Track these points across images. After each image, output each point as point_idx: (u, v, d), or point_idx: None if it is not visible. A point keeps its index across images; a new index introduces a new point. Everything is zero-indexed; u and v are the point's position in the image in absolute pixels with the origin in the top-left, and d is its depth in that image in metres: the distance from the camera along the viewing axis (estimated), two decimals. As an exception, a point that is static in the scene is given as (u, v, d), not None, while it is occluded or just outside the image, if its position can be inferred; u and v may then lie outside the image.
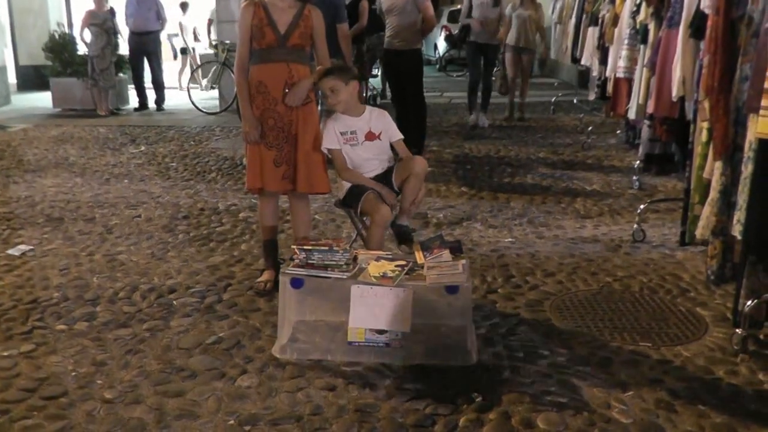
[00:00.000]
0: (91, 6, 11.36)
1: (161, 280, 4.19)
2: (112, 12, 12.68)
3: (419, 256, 3.09)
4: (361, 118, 3.89)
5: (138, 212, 5.67)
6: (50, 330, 3.53)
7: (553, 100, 11.40)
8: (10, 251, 4.79)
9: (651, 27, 5.15)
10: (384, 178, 3.89)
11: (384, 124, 3.94)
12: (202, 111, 11.30)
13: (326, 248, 3.07)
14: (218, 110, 11.18)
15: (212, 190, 6.37)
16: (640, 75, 5.38)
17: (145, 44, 11.81)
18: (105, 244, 4.91)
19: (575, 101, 11.52)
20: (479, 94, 9.53)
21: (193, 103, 11.51)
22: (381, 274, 2.99)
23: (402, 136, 3.99)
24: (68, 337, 3.45)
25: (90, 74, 11.24)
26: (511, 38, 9.83)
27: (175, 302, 3.85)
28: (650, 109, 4.76)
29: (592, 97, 8.16)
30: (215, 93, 12.05)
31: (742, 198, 3.17)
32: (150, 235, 5.06)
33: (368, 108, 3.98)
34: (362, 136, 3.87)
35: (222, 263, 4.44)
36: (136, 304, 3.85)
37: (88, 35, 11.23)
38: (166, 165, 7.51)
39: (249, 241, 4.87)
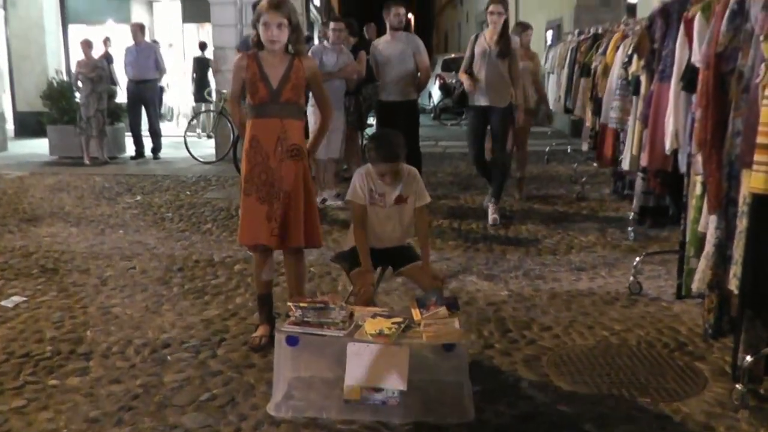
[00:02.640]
0: (85, 59, 11.46)
1: (155, 334, 4.15)
2: (108, 59, 12.84)
3: (416, 314, 3.08)
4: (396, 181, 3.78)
5: (133, 264, 5.65)
6: (42, 385, 3.49)
7: (546, 149, 11.48)
8: (3, 302, 4.76)
9: (643, 79, 5.22)
10: (393, 255, 3.85)
11: (416, 187, 3.82)
12: (198, 160, 11.35)
13: (322, 305, 3.05)
14: (214, 159, 11.21)
15: (207, 241, 6.36)
16: (633, 126, 5.44)
17: (143, 92, 11.91)
18: (99, 296, 4.88)
19: (569, 150, 11.61)
20: (493, 172, 7.20)
21: (189, 151, 11.56)
22: (377, 331, 2.97)
23: (429, 200, 3.90)
24: (60, 392, 3.40)
25: (77, 122, 11.29)
26: None
27: (169, 357, 3.81)
28: (644, 161, 4.80)
29: (585, 148, 8.21)
30: (212, 142, 12.12)
31: (737, 252, 3.19)
32: (144, 288, 5.04)
33: (404, 171, 3.81)
34: (392, 199, 3.78)
35: (216, 317, 4.41)
36: (129, 359, 3.81)
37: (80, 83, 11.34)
38: (161, 215, 7.51)
39: (244, 294, 4.84)
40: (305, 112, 4.08)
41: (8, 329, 4.26)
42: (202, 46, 15.19)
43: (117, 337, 4.12)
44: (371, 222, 3.82)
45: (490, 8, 6.77)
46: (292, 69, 3.83)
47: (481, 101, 6.87)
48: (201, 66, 15.08)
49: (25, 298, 4.85)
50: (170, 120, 16.24)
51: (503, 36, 6.77)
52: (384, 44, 7.51)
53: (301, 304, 3.10)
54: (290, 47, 3.87)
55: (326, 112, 4.09)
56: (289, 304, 3.20)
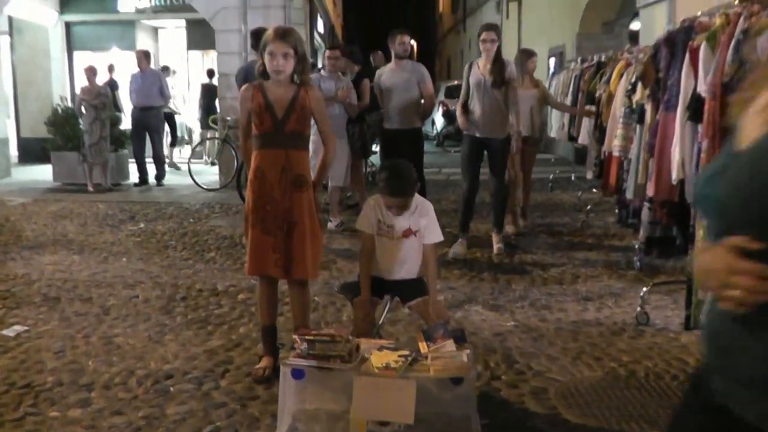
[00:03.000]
0: (89, 86, 11.51)
1: (158, 364, 4.11)
2: (112, 86, 12.88)
3: (423, 346, 3.04)
4: (405, 214, 3.73)
5: (136, 292, 5.62)
6: (43, 416, 3.46)
7: (551, 177, 11.48)
8: (4, 332, 4.73)
9: (647, 108, 5.22)
10: (403, 288, 3.80)
11: (427, 222, 3.75)
12: (202, 187, 11.35)
13: (328, 338, 3.01)
14: (218, 186, 11.21)
15: (211, 270, 6.33)
16: (637, 154, 5.43)
17: (147, 119, 11.92)
18: (102, 325, 4.85)
19: (573, 178, 11.60)
20: (492, 202, 6.96)
21: (193, 179, 11.58)
22: (384, 364, 2.93)
23: (441, 238, 3.82)
24: (62, 424, 3.37)
25: (81, 149, 11.30)
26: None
27: (171, 388, 3.77)
28: (650, 192, 4.78)
29: (590, 176, 8.21)
30: (216, 169, 12.13)
31: (747, 285, 3.14)
32: (147, 317, 5.00)
33: (416, 202, 3.76)
34: (399, 232, 3.73)
35: (220, 347, 4.37)
36: (132, 390, 3.77)
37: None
38: (164, 243, 7.49)
39: (248, 324, 4.80)
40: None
41: (9, 359, 4.23)
42: (210, 73, 15.26)
43: (119, 367, 4.08)
44: (379, 253, 3.78)
45: (483, 36, 6.52)
46: (298, 99, 3.81)
47: (477, 133, 6.57)
48: (209, 93, 15.15)
49: (26, 328, 4.82)
50: (188, 143, 16.18)
51: (496, 64, 6.50)
52: (389, 72, 7.53)
53: (307, 337, 3.06)
54: (296, 77, 3.86)
55: (329, 143, 4.05)
56: (295, 336, 3.16)
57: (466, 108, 6.63)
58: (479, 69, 6.58)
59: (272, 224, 3.79)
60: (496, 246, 6.84)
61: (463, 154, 6.83)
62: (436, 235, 3.77)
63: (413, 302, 3.77)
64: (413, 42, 7.75)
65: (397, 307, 4.17)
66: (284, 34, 3.75)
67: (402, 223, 3.73)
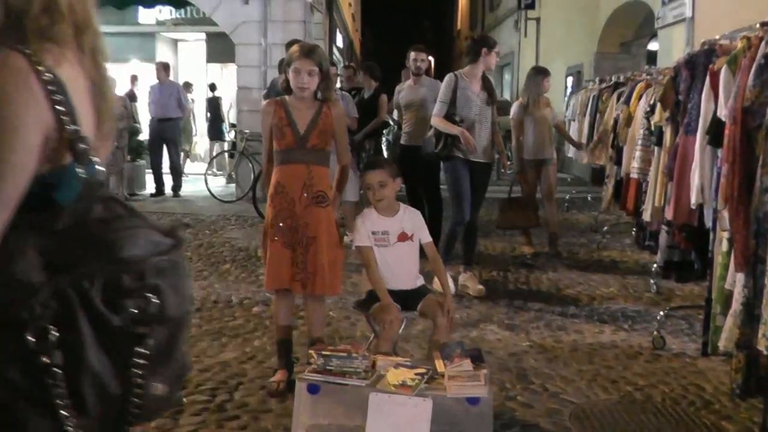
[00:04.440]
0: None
1: (172, 375, 4.11)
2: (131, 97, 12.99)
3: (440, 365, 3.03)
4: (395, 218, 3.85)
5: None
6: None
7: (567, 197, 11.44)
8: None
9: (666, 131, 5.19)
10: (409, 297, 3.83)
11: (416, 224, 3.90)
12: (218, 199, 11.40)
13: (344, 354, 3.01)
14: (234, 199, 11.25)
15: (226, 281, 6.33)
16: (655, 177, 5.40)
17: (165, 131, 12.02)
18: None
19: (589, 198, 11.56)
20: (468, 235, 6.18)
21: (209, 190, 11.63)
22: (400, 382, 2.92)
23: (431, 239, 3.97)
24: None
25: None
26: (528, 150, 7.55)
27: (185, 399, 3.76)
28: (669, 215, 4.75)
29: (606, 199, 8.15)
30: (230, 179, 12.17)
31: (766, 312, 3.12)
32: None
33: (402, 206, 3.92)
34: (394, 237, 3.81)
35: (234, 360, 4.37)
36: (145, 400, 3.77)
37: None
38: (180, 254, 7.47)
39: (262, 337, 4.79)
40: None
41: None
42: (212, 86, 15.52)
43: (134, 377, 4.08)
44: (381, 263, 3.81)
45: (497, 49, 6.13)
46: (321, 115, 3.84)
47: (470, 155, 5.84)
48: (213, 106, 15.37)
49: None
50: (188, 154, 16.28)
51: (485, 80, 6.08)
52: (407, 89, 7.56)
53: (324, 352, 3.07)
54: (319, 94, 3.89)
55: (346, 160, 4.10)
56: (311, 351, 3.17)
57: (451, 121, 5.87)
58: (467, 82, 5.97)
59: (292, 239, 3.81)
60: (476, 288, 5.95)
61: (456, 180, 5.94)
62: (427, 236, 3.95)
63: (422, 304, 3.79)
64: (430, 58, 7.71)
65: (412, 324, 4.16)
66: (310, 52, 3.78)
67: (394, 226, 3.82)
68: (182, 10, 14.70)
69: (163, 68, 12.44)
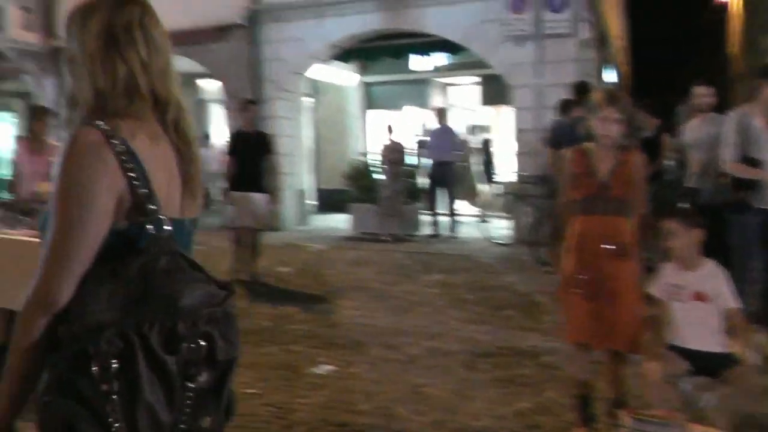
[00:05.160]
0: (387, 141, 12.27)
1: (467, 419, 4.17)
2: (421, 143, 13.62)
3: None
4: (693, 273, 3.62)
5: (438, 344, 5.75)
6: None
7: None
8: (315, 369, 5.05)
9: None
10: (710, 360, 3.51)
11: (717, 285, 3.57)
12: (495, 241, 11.44)
13: (661, 421, 2.81)
14: (511, 242, 11.21)
15: (509, 327, 6.30)
16: None
17: (443, 174, 12.32)
18: (406, 374, 5.01)
19: None
20: None
21: (485, 232, 11.74)
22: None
23: (739, 306, 3.58)
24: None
25: (378, 200, 11.95)
26: None
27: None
28: None
29: None
30: (507, 223, 12.13)
31: None
32: (451, 370, 5.09)
33: (707, 263, 3.65)
34: (689, 295, 3.57)
35: (528, 410, 4.31)
36: (445, 442, 3.82)
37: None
38: (460, 296, 7.62)
39: (554, 389, 4.67)
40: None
41: (321, 396, 4.53)
42: (485, 129, 15.62)
43: (429, 417, 4.19)
44: (675, 318, 3.60)
45: None
46: (622, 163, 3.75)
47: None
48: (486, 148, 15.65)
49: (335, 368, 5.10)
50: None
51: None
52: (692, 127, 7.05)
53: (639, 416, 2.88)
54: (620, 141, 3.77)
55: (644, 208, 3.91)
56: (624, 413, 3.01)
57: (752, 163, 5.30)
58: (755, 119, 5.36)
59: (593, 292, 3.70)
60: None
61: (746, 232, 5.30)
62: (731, 300, 3.55)
63: (726, 374, 3.44)
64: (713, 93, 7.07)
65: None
66: (615, 100, 3.75)
67: (690, 282, 3.57)
68: (455, 55, 15.08)
69: (441, 113, 12.85)
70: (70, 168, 1.59)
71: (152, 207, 1.63)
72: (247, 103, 8.68)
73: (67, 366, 1.52)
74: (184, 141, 1.79)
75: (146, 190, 1.63)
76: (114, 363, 1.50)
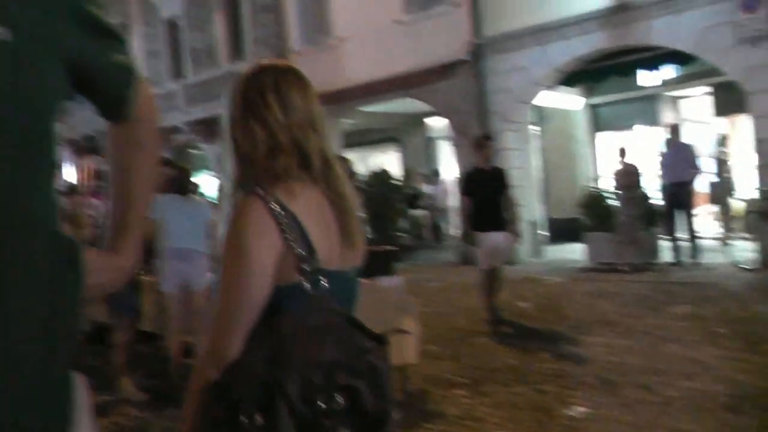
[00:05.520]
0: (619, 164, 11.95)
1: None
2: (646, 166, 13.13)
3: None
4: None
5: (694, 384, 5.56)
6: None
7: None
8: (569, 411, 5.07)
9: None
10: None
11: None
12: (741, 266, 10.77)
13: None
14: (759, 266, 10.50)
15: (771, 367, 5.93)
16: None
17: (680, 196, 11.80)
18: (664, 417, 4.91)
19: None
20: None
21: (730, 257, 11.04)
22: None
23: None
24: None
25: (615, 228, 11.63)
26: None
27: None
28: None
29: None
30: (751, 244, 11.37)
31: None
32: (712, 413, 4.91)
33: None
34: None
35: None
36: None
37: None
38: (711, 329, 7.27)
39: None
40: None
41: (580, 440, 4.54)
42: (721, 142, 14.68)
43: (695, 466, 4.07)
44: None
45: None
46: None
47: None
48: (720, 164, 14.67)
49: (588, 410, 5.10)
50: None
51: None
52: None
53: None
54: None
55: None
56: None
57: None
58: None
59: None
60: None
61: None
62: None
63: None
64: None
65: None
66: None
67: None
68: (684, 66, 14.35)
69: (674, 130, 12.32)
70: (233, 233, 1.79)
71: (307, 267, 1.76)
72: (483, 139, 8.43)
73: (221, 411, 1.70)
74: (336, 192, 1.89)
75: (302, 252, 1.76)
76: (258, 413, 1.64)
